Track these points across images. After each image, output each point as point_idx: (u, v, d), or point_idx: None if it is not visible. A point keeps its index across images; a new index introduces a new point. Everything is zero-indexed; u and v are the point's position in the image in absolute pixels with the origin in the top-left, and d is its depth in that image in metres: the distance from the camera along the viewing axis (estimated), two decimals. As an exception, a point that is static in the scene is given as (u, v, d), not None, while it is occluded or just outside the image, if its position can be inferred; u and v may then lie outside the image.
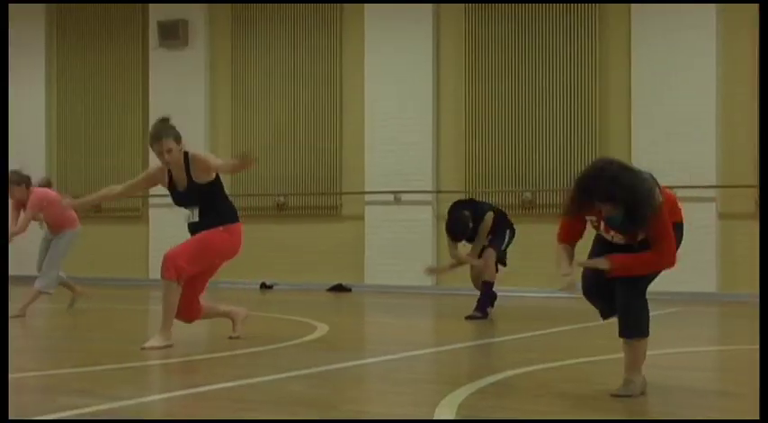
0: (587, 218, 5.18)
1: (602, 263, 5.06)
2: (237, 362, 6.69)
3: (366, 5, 13.92)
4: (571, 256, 5.24)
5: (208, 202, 7.61)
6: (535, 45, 12.99)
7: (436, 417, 4.63)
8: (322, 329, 8.49)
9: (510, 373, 5.84)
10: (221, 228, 7.62)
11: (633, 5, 12.48)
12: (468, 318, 9.33)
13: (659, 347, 7.39)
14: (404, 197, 13.54)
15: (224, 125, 14.99)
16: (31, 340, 8.49)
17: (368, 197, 13.69)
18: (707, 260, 11.91)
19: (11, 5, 16.07)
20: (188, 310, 7.63)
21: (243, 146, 14.82)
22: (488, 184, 13.26)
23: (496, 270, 9.67)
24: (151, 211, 15.26)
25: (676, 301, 11.52)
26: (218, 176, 7.60)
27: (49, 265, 10.10)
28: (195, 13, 15.01)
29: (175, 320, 7.42)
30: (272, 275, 14.37)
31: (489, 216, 9.58)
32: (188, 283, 7.48)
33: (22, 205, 10.12)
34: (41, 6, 16.08)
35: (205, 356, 6.94)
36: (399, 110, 13.63)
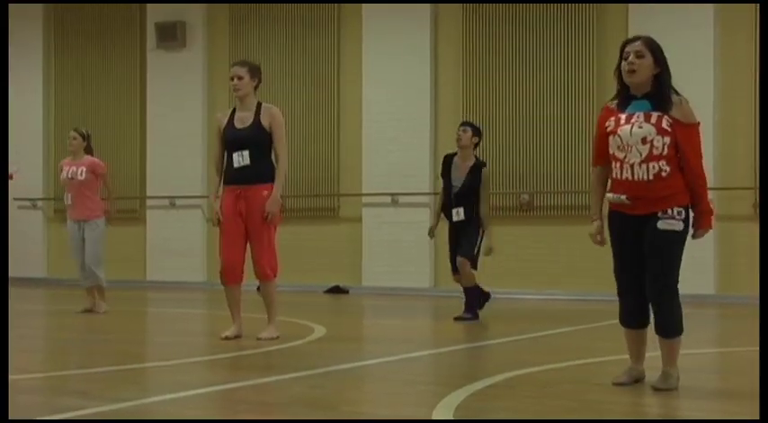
0: (607, 123, 5.36)
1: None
2: (237, 363, 6.70)
3: (363, 6, 13.93)
4: (602, 198, 5.46)
5: (264, 149, 7.75)
6: (533, 46, 13.01)
7: (434, 418, 4.65)
8: (320, 331, 8.51)
9: (508, 374, 5.86)
10: (271, 185, 7.71)
11: (631, 5, 12.50)
12: (457, 319, 9.34)
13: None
14: (401, 199, 13.56)
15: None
16: (33, 342, 8.49)
17: (365, 199, 13.71)
18: (705, 262, 11.93)
19: (9, 7, 16.09)
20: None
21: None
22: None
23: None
24: (148, 213, 15.27)
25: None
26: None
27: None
28: (193, 15, 15.03)
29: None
30: (269, 277, 14.37)
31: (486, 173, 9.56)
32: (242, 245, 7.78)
33: None
34: (39, 7, 16.09)
35: (205, 358, 6.95)
36: (397, 111, 13.64)
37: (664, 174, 5.25)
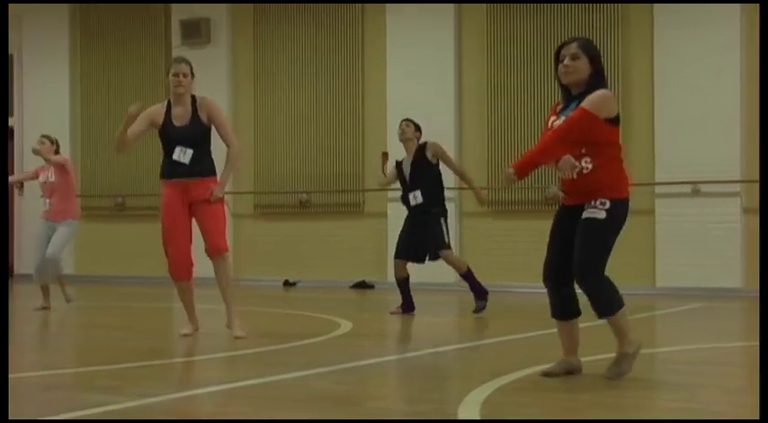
0: (551, 119, 5.59)
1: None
2: (262, 359, 6.71)
3: (387, 5, 13.93)
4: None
5: (206, 144, 7.74)
6: (557, 43, 12.93)
7: (460, 414, 4.64)
8: (345, 326, 8.51)
9: (534, 369, 5.84)
10: (214, 181, 7.74)
11: (656, 5, 12.45)
12: (477, 311, 9.52)
13: (683, 343, 7.37)
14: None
15: (247, 123, 15.03)
16: (56, 338, 8.55)
17: (390, 194, 13.69)
18: (732, 255, 11.88)
19: (35, 6, 16.19)
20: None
21: (266, 143, 14.88)
22: (511, 181, 13.22)
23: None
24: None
25: (701, 296, 11.49)
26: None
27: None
28: (217, 12, 15.06)
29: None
30: (295, 273, 14.41)
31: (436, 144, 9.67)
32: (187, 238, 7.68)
33: None
34: (65, 6, 16.17)
35: (229, 354, 6.97)
36: (421, 107, 13.60)
37: (585, 171, 5.42)
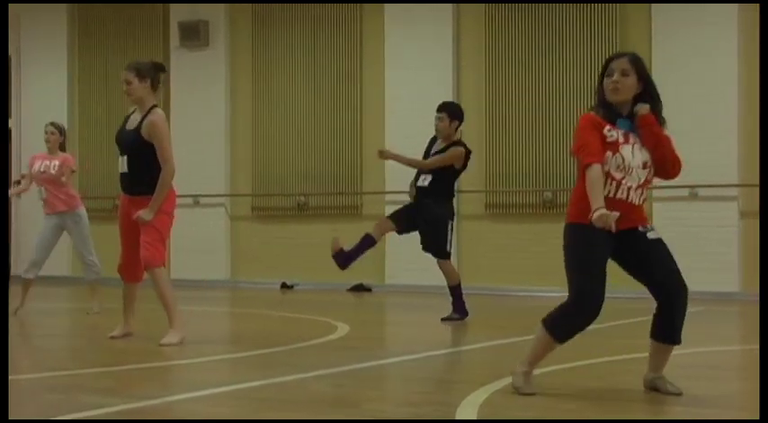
0: (607, 129, 5.07)
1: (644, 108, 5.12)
2: (260, 361, 6.71)
3: (386, 5, 13.94)
4: (601, 187, 5.02)
5: (141, 157, 7.36)
6: (556, 44, 12.98)
7: (458, 416, 4.64)
8: (343, 329, 8.51)
9: (534, 372, 5.84)
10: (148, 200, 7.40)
11: (654, 5, 12.46)
12: (445, 319, 9.17)
13: (683, 347, 7.37)
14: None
15: (245, 125, 15.03)
16: (54, 340, 8.54)
17: (388, 197, 13.70)
18: (730, 260, 11.88)
19: (34, 6, 16.18)
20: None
21: (263, 146, 14.88)
22: (509, 184, 13.25)
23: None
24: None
25: (699, 300, 11.48)
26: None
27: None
28: (216, 14, 15.07)
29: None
30: (292, 275, 14.41)
31: (460, 151, 9.26)
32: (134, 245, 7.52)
33: None
34: (63, 7, 16.17)
35: (228, 356, 6.97)
36: (419, 109, 13.61)
37: (644, 200, 5.21)
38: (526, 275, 12.77)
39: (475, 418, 4.61)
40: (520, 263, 12.96)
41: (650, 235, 5.14)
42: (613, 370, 6.22)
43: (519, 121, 13.22)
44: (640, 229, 5.14)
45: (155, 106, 7.50)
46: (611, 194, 5.03)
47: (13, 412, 4.77)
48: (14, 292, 10.29)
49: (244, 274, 14.94)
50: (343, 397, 5.32)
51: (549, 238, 11.55)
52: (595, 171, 4.96)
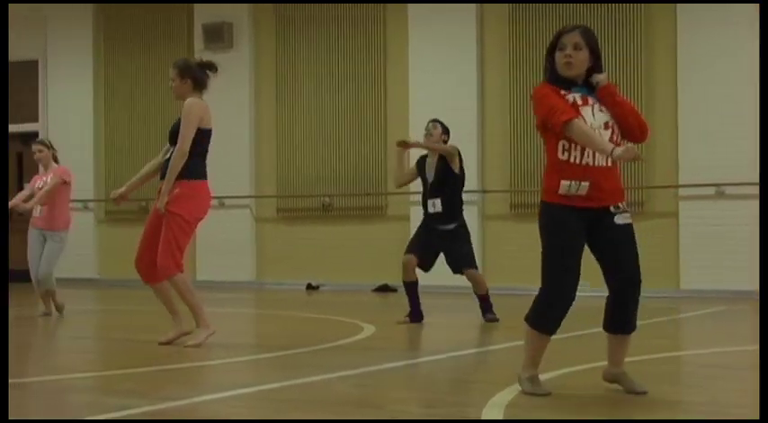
0: (562, 92, 5.00)
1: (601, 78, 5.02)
2: (284, 362, 6.72)
3: (409, 5, 13.93)
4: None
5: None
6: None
7: (484, 417, 4.62)
8: (368, 330, 8.50)
9: (558, 372, 5.82)
10: (183, 183, 7.38)
11: (679, 5, 12.41)
12: (488, 320, 9.18)
13: (707, 346, 7.33)
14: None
15: (269, 126, 15.06)
16: (77, 342, 8.57)
17: (413, 197, 13.66)
18: (753, 258, 11.80)
19: (59, 8, 16.27)
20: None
21: (287, 147, 14.90)
22: (533, 184, 13.21)
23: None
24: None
25: (725, 299, 11.42)
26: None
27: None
28: (239, 16, 15.10)
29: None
30: (317, 276, 14.42)
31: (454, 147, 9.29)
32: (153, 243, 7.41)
33: None
34: (89, 8, 16.24)
35: (252, 357, 6.97)
36: (443, 109, 13.57)
37: (617, 164, 5.02)
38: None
39: (501, 418, 4.60)
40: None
41: (618, 220, 5.02)
42: (640, 370, 6.19)
43: (543, 120, 13.16)
44: (612, 209, 5.02)
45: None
46: (577, 161, 4.94)
47: (36, 414, 4.80)
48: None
49: (269, 275, 14.96)
50: (368, 398, 5.31)
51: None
52: (578, 124, 4.84)
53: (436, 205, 9.16)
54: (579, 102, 4.99)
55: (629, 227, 5.05)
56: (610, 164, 4.97)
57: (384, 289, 13.70)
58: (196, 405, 5.06)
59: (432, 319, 9.30)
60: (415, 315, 9.12)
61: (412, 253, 9.13)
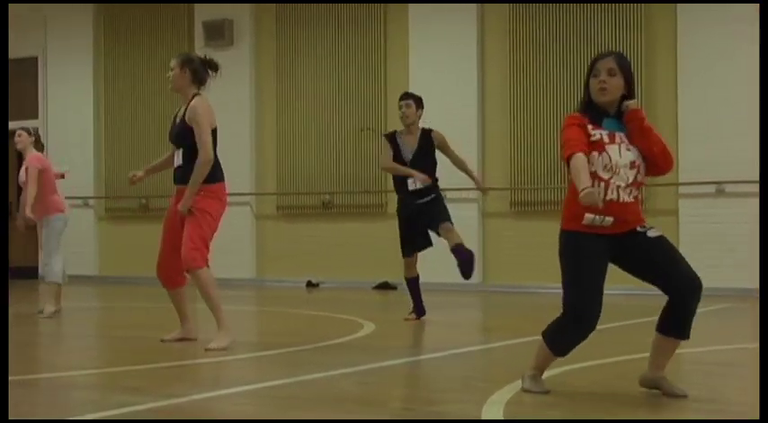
0: (590, 132, 4.96)
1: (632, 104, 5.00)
2: (285, 360, 6.74)
3: (410, 5, 13.95)
4: (587, 174, 4.90)
5: (193, 149, 7.20)
6: (580, 44, 12.95)
7: (484, 415, 4.64)
8: (368, 327, 8.52)
9: (559, 370, 5.83)
10: (204, 188, 7.19)
11: (679, 5, 12.42)
12: (466, 274, 8.87)
13: (707, 344, 7.35)
14: (449, 194, 13.52)
15: (269, 124, 15.07)
16: (82, 339, 8.59)
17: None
18: (754, 256, 11.82)
19: (59, 7, 16.28)
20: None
21: (288, 145, 14.92)
22: (533, 182, 13.24)
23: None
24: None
25: (725, 297, 11.43)
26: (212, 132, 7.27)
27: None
28: (240, 13, 15.11)
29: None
30: (318, 273, 14.44)
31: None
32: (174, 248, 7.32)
33: None
34: (90, 7, 16.25)
35: (253, 354, 6.99)
36: (444, 108, 13.63)
37: (639, 196, 5.10)
38: (551, 273, 12.66)
39: (501, 417, 4.62)
40: (545, 260, 12.82)
41: (650, 233, 5.04)
42: (640, 368, 6.20)
43: (543, 119, 13.20)
44: (639, 229, 5.05)
45: (197, 94, 7.40)
46: (601, 196, 4.92)
47: (40, 412, 4.81)
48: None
49: (269, 272, 14.98)
50: (369, 395, 5.33)
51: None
52: (578, 158, 4.82)
53: (417, 182, 9.09)
54: (606, 139, 4.97)
55: (664, 238, 5.07)
56: (632, 199, 5.01)
57: (384, 286, 13.72)
58: (198, 402, 5.08)
59: (432, 316, 9.33)
60: (419, 310, 9.27)
61: (410, 256, 9.32)
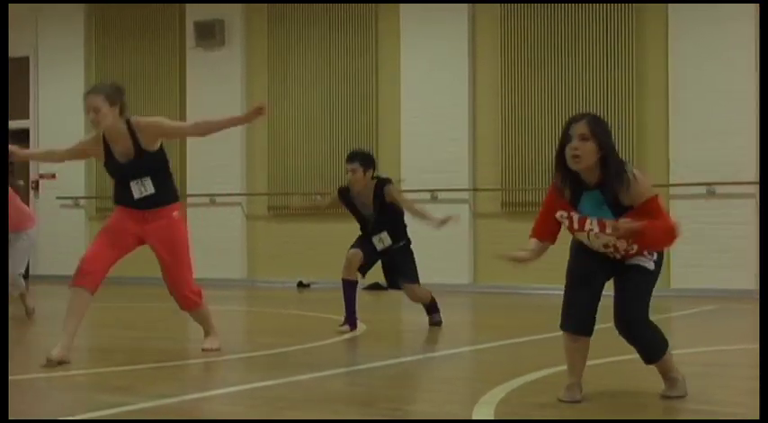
0: (559, 213, 4.98)
1: (612, 226, 4.72)
2: (275, 360, 6.73)
3: (401, 5, 13.94)
4: (535, 249, 5.18)
5: (162, 173, 6.73)
6: (572, 44, 12.96)
7: (475, 415, 4.64)
8: (360, 328, 8.51)
9: (550, 370, 5.84)
10: (176, 208, 6.86)
11: (671, 5, 12.44)
12: (434, 324, 8.71)
13: (699, 345, 7.36)
14: (440, 195, 13.55)
15: (261, 124, 15.02)
16: (75, 339, 8.56)
17: (405, 195, 13.67)
18: (747, 257, 11.84)
19: (50, 6, 16.25)
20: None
21: (279, 145, 14.90)
22: (525, 182, 13.24)
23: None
24: (189, 211, 15.34)
25: (716, 297, 11.46)
26: (162, 146, 6.73)
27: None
28: (231, 13, 15.09)
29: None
30: (309, 274, 14.42)
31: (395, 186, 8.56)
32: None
33: None
34: (80, 7, 16.23)
35: (243, 355, 6.98)
36: (435, 108, 13.65)
37: (632, 252, 4.95)
38: (543, 274, 12.67)
39: (491, 417, 4.62)
40: (537, 262, 12.89)
41: (628, 261, 4.97)
42: (634, 368, 6.21)
43: (534, 119, 13.20)
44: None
45: (128, 119, 6.63)
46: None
47: (30, 411, 4.80)
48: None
49: (260, 273, 14.96)
50: (359, 396, 5.33)
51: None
52: (531, 242, 5.19)
53: (384, 240, 8.64)
54: (576, 226, 4.95)
55: (636, 268, 4.96)
56: (623, 253, 4.94)
57: (375, 287, 13.70)
58: (188, 403, 5.07)
59: (422, 317, 9.31)
60: (352, 321, 8.39)
61: (359, 248, 8.60)
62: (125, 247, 6.84)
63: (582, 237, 4.97)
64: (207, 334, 7.16)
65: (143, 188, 6.66)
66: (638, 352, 5.09)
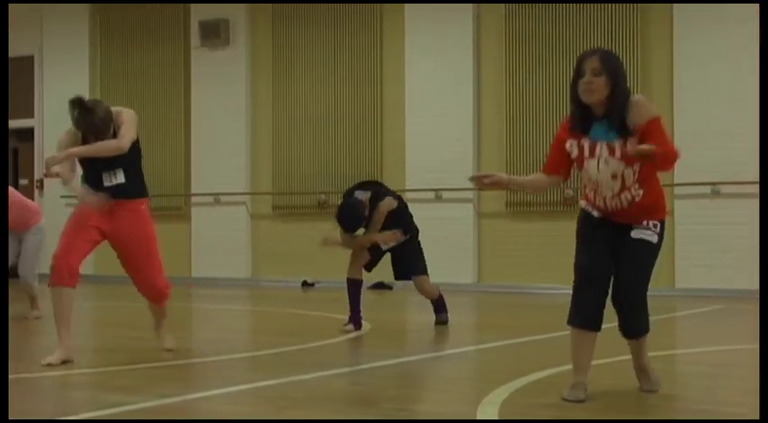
0: (569, 143, 5.03)
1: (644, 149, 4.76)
2: (280, 360, 6.72)
3: (406, 5, 13.94)
4: (530, 179, 5.54)
5: (134, 167, 6.87)
6: (577, 43, 12.93)
7: (479, 415, 4.63)
8: (364, 327, 8.50)
9: (554, 370, 5.83)
10: (144, 202, 6.89)
11: (675, 5, 12.42)
12: (439, 323, 8.73)
13: (703, 345, 7.35)
14: (445, 194, 13.54)
15: (265, 124, 15.05)
16: (79, 338, 8.55)
17: (409, 195, 13.68)
18: (749, 257, 11.82)
19: (56, 6, 16.26)
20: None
21: (284, 144, 14.90)
22: (530, 182, 13.21)
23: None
24: (193, 210, 15.36)
25: (720, 297, 11.44)
26: (138, 141, 6.90)
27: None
28: (236, 13, 15.09)
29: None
30: (313, 273, 14.42)
31: (388, 202, 8.58)
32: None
33: None
34: (85, 7, 16.23)
35: (247, 354, 6.98)
36: (440, 107, 13.64)
37: (638, 199, 5.00)
38: (548, 273, 12.73)
39: (496, 417, 4.60)
40: (541, 261, 12.92)
41: (633, 234, 5.03)
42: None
43: (539, 119, 13.19)
44: (634, 226, 5.04)
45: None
46: (591, 198, 5.12)
47: (32, 411, 4.79)
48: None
49: (264, 272, 14.96)
50: (363, 395, 5.32)
51: (571, 236, 11.49)
52: (536, 175, 5.32)
53: (389, 243, 8.77)
54: (586, 153, 5.00)
55: (639, 242, 5.01)
56: (625, 204, 5.00)
57: (380, 286, 13.70)
58: (191, 402, 5.06)
59: (427, 317, 9.30)
60: (356, 320, 8.41)
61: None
62: (93, 239, 6.86)
63: (592, 168, 5.00)
64: (162, 327, 7.11)
65: (113, 178, 6.77)
66: (625, 324, 5.14)
